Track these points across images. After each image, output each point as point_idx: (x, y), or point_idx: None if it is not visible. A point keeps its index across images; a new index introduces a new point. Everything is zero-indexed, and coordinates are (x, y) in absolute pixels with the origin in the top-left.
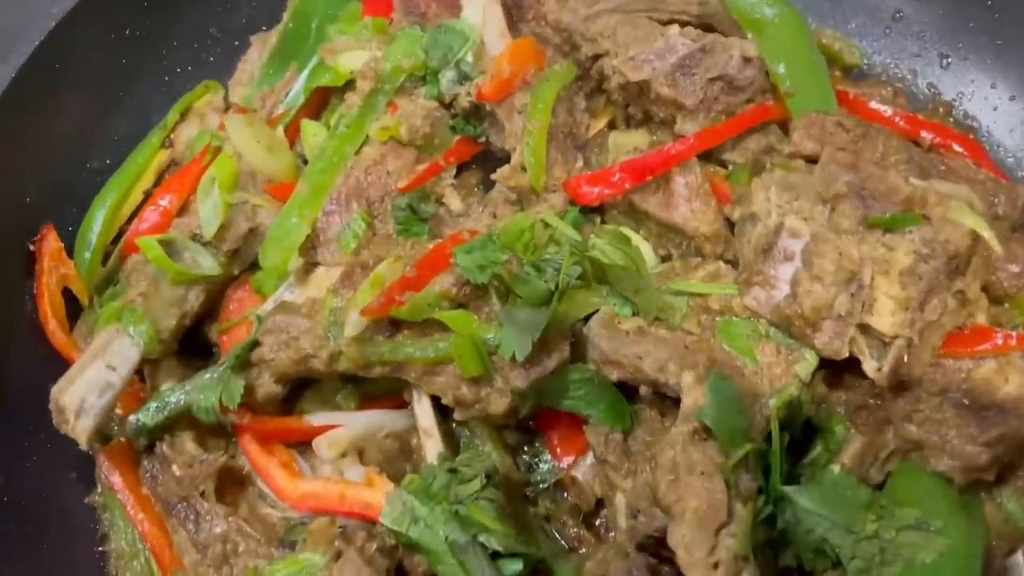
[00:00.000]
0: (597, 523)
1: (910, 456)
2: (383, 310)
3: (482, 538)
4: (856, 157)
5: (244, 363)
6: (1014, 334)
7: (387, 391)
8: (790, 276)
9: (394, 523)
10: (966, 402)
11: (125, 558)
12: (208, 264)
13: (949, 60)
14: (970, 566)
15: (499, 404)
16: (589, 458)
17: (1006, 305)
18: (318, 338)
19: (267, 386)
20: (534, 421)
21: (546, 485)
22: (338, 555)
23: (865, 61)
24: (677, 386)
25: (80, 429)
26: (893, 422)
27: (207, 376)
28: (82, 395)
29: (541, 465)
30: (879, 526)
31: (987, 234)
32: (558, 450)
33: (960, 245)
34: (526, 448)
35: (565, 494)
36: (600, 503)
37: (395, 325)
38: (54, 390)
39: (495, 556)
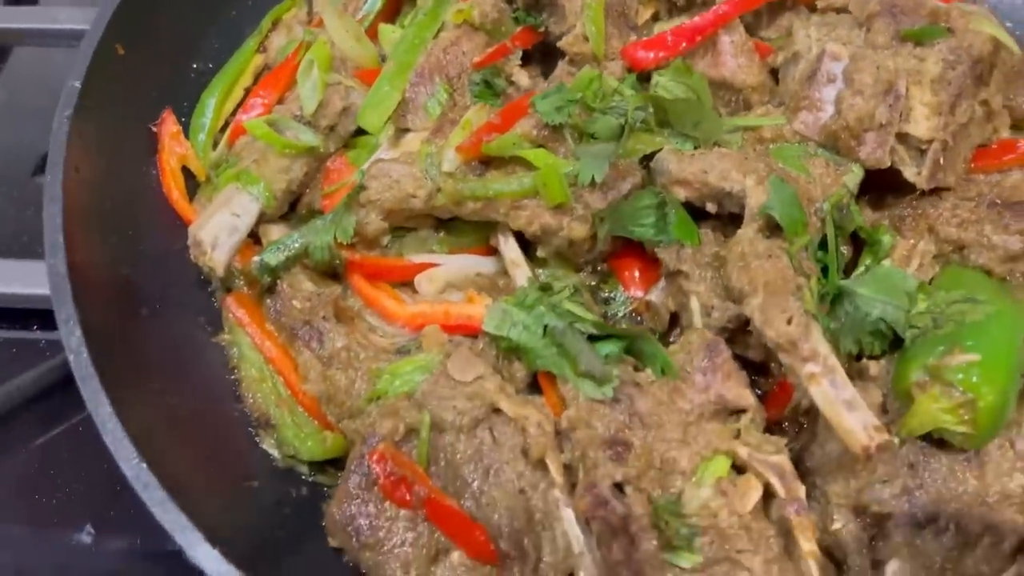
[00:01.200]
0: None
1: (952, 258)
2: (474, 148)
3: (577, 325)
4: None
5: (353, 204)
6: None
7: (476, 240)
8: (834, 96)
9: (496, 328)
10: (998, 201)
11: (255, 382)
12: (309, 137)
13: None
14: (1016, 327)
15: (580, 229)
16: (661, 283)
17: None
18: (417, 179)
19: (375, 223)
20: (608, 262)
21: (623, 314)
22: (449, 354)
23: None
24: (741, 193)
25: (216, 259)
26: (934, 228)
27: (320, 221)
28: (215, 233)
29: (617, 297)
30: (930, 303)
31: (1006, 39)
32: (632, 284)
33: (983, 50)
34: (602, 287)
35: (640, 319)
36: (674, 322)
37: (484, 166)
38: (192, 228)
39: (592, 340)
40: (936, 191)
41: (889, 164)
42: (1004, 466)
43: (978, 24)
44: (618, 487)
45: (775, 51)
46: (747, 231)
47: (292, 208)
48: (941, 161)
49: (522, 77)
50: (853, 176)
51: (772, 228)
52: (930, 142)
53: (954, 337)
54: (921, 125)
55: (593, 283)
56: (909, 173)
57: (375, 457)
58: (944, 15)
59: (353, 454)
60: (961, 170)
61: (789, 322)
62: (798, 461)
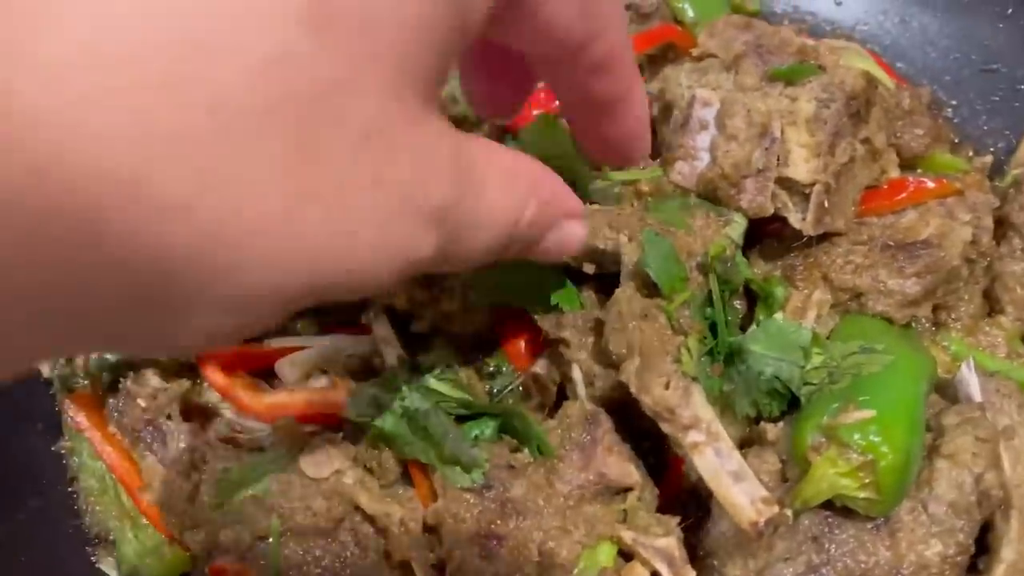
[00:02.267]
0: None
1: (850, 307)
2: None
3: (443, 405)
4: (748, 22)
5: None
6: (927, 180)
7: (344, 320)
8: (708, 143)
9: (359, 416)
10: (892, 244)
11: (95, 494)
12: None
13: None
14: (917, 377)
15: (449, 302)
16: (545, 355)
17: (919, 170)
18: None
19: None
20: (493, 331)
21: (511, 388)
22: (303, 448)
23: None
24: (616, 250)
25: None
26: (828, 276)
27: None
28: None
29: (504, 371)
30: (826, 356)
31: (879, 74)
32: (517, 356)
33: (856, 86)
34: (487, 361)
35: (529, 393)
36: (560, 396)
37: None
38: None
39: (461, 421)
40: (827, 237)
41: (772, 211)
42: (918, 532)
43: (849, 60)
44: None
45: (651, 102)
46: (624, 290)
47: None
48: (826, 204)
49: None
50: (736, 227)
51: (650, 286)
52: (812, 185)
53: (849, 392)
54: (800, 168)
55: (480, 357)
56: (794, 219)
57: (217, 571)
58: (812, 52)
59: (196, 572)
60: (851, 213)
61: (667, 387)
62: (696, 544)
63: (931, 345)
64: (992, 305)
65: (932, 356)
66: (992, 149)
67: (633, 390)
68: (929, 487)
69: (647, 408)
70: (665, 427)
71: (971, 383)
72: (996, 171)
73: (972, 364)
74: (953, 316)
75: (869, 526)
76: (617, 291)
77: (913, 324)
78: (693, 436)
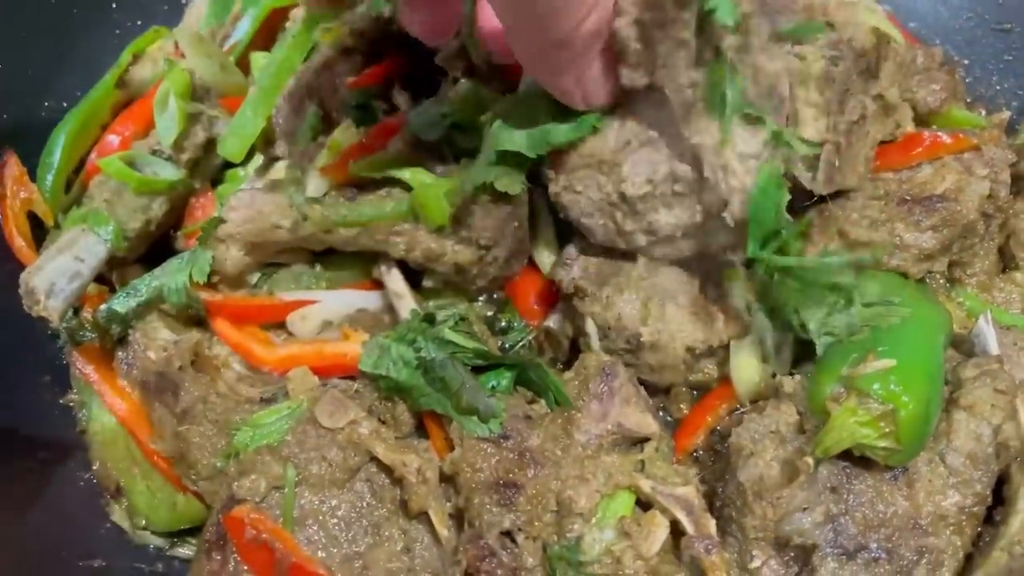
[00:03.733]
0: None
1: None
2: (341, 169)
3: (460, 356)
4: None
5: (211, 239)
6: (942, 134)
7: (357, 274)
8: None
9: (374, 367)
10: (908, 198)
11: (105, 446)
12: (169, 172)
13: None
14: (935, 329)
15: (466, 253)
16: (557, 310)
17: (933, 127)
18: (281, 208)
19: (235, 258)
20: (504, 289)
21: (523, 343)
22: (318, 399)
23: None
24: None
25: (51, 308)
26: (843, 231)
27: (175, 261)
28: (51, 279)
29: (515, 326)
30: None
31: (889, 29)
32: (529, 311)
33: (865, 42)
34: (499, 316)
35: (540, 348)
36: (572, 352)
37: (357, 190)
38: (24, 275)
39: (477, 372)
40: (843, 192)
41: (782, 172)
42: (936, 483)
43: (859, 16)
44: (508, 535)
45: None
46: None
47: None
48: (836, 163)
49: (402, 99)
50: None
51: None
52: (822, 144)
53: (869, 343)
54: (809, 127)
55: (490, 313)
56: (804, 180)
57: (231, 521)
58: (821, 9)
59: (210, 519)
60: (865, 170)
61: None
62: (712, 494)
63: (946, 301)
64: (1007, 262)
65: (948, 310)
66: (1005, 108)
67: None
68: (947, 439)
69: None
70: None
71: (988, 336)
72: (1009, 130)
73: (990, 317)
74: (968, 272)
75: (887, 476)
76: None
77: (927, 280)
78: None
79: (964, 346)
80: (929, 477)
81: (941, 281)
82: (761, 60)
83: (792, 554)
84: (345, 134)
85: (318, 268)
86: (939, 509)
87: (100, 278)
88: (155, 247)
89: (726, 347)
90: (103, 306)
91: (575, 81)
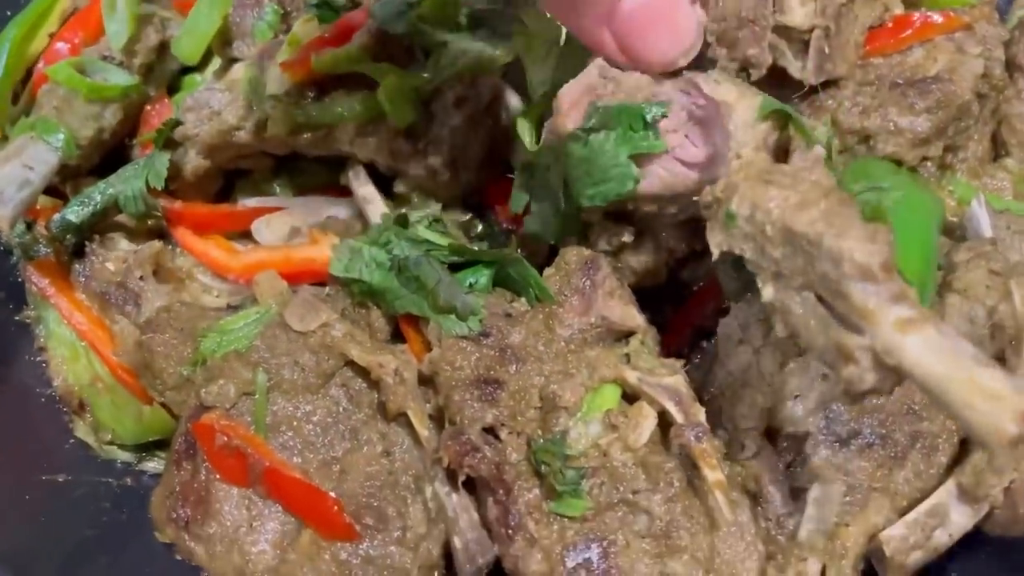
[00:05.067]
0: None
1: (857, 152)
2: (303, 64)
3: (435, 254)
4: None
5: (168, 143)
6: (932, 14)
7: (324, 180)
8: None
9: (345, 271)
10: (900, 81)
11: (65, 361)
12: (121, 78)
13: None
14: (929, 212)
15: (438, 153)
16: None
17: (922, 8)
18: (241, 108)
19: (194, 162)
20: (479, 196)
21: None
22: (288, 303)
23: None
24: None
25: (0, 216)
26: (835, 120)
27: (130, 167)
28: (0, 187)
29: (493, 232)
30: None
31: None
32: (507, 215)
33: None
34: (475, 222)
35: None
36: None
37: (321, 91)
38: None
39: (454, 270)
40: (832, 81)
41: (771, 62)
42: None
43: None
44: (490, 432)
45: None
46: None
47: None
48: (826, 50)
49: None
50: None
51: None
52: (810, 31)
53: None
54: (797, 13)
55: (466, 218)
56: (794, 69)
57: (200, 429)
58: None
59: (178, 429)
60: (854, 56)
61: (873, 239)
62: (700, 389)
63: (936, 190)
64: (998, 148)
65: (940, 197)
66: None
67: (828, 242)
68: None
69: (845, 266)
70: (855, 292)
71: (981, 218)
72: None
73: (983, 200)
74: (960, 158)
75: None
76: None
77: (918, 169)
78: (901, 312)
79: (955, 233)
80: None
81: (932, 169)
82: None
83: (784, 444)
84: (305, 28)
85: (283, 176)
86: None
87: (54, 191)
88: (110, 158)
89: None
90: (56, 216)
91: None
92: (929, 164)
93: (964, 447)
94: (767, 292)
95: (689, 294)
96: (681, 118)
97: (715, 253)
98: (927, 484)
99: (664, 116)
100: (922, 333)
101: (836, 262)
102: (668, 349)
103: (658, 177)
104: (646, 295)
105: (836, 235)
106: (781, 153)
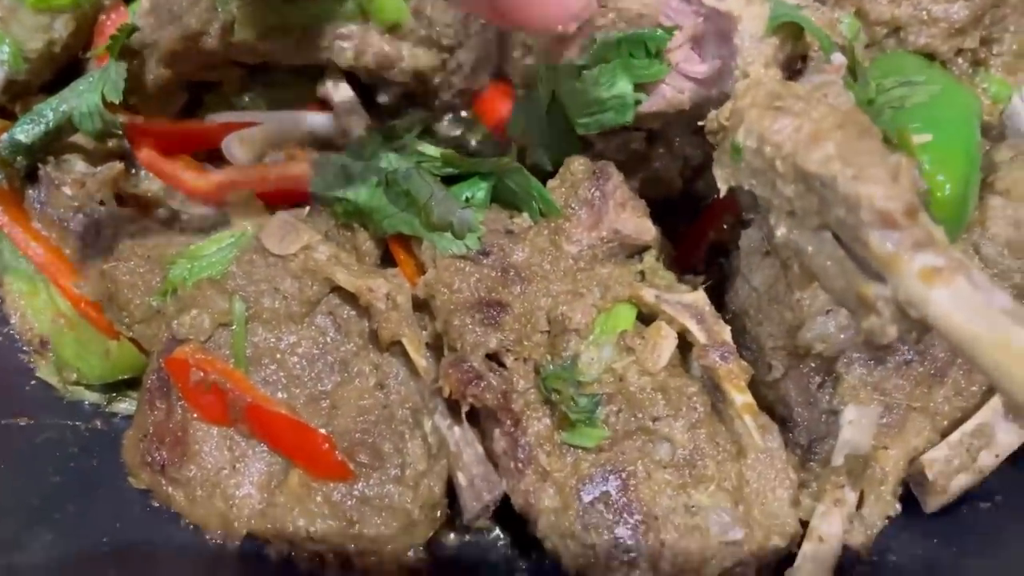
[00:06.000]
0: None
1: (886, 45)
2: None
3: (426, 166)
4: None
5: (125, 52)
6: None
7: (299, 94)
8: None
9: (328, 188)
10: None
11: (24, 296)
12: None
13: None
14: (968, 107)
15: (426, 57)
16: None
17: None
18: (205, 10)
19: (155, 72)
20: (473, 106)
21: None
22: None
23: None
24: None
25: None
26: (862, 9)
27: (84, 80)
28: None
29: (487, 147)
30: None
31: None
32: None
33: None
34: (467, 136)
35: None
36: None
37: None
38: None
39: (448, 183)
40: None
41: None
42: None
43: None
44: (495, 359)
45: None
46: (762, 66)
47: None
48: None
49: None
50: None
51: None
52: None
53: (897, 120)
54: None
55: (456, 133)
56: None
57: (173, 364)
58: None
59: (150, 366)
60: None
61: (895, 177)
62: (719, 307)
63: (970, 87)
64: None
65: (975, 93)
66: None
67: (842, 182)
68: (981, 227)
69: (864, 206)
70: (874, 239)
71: (1022, 115)
72: None
73: (1023, 94)
74: (994, 52)
75: None
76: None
77: (950, 64)
78: (926, 260)
79: (992, 133)
80: None
81: (964, 65)
82: None
83: (813, 364)
84: None
85: (254, 90)
86: None
87: (1, 111)
88: (63, 75)
89: None
90: (3, 135)
91: None
92: (961, 60)
93: None
94: (780, 232)
95: (704, 206)
96: (685, 32)
97: (722, 189)
98: (969, 402)
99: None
100: (951, 285)
101: (852, 208)
102: (682, 266)
103: (661, 95)
104: (657, 208)
105: (853, 177)
106: (796, 64)
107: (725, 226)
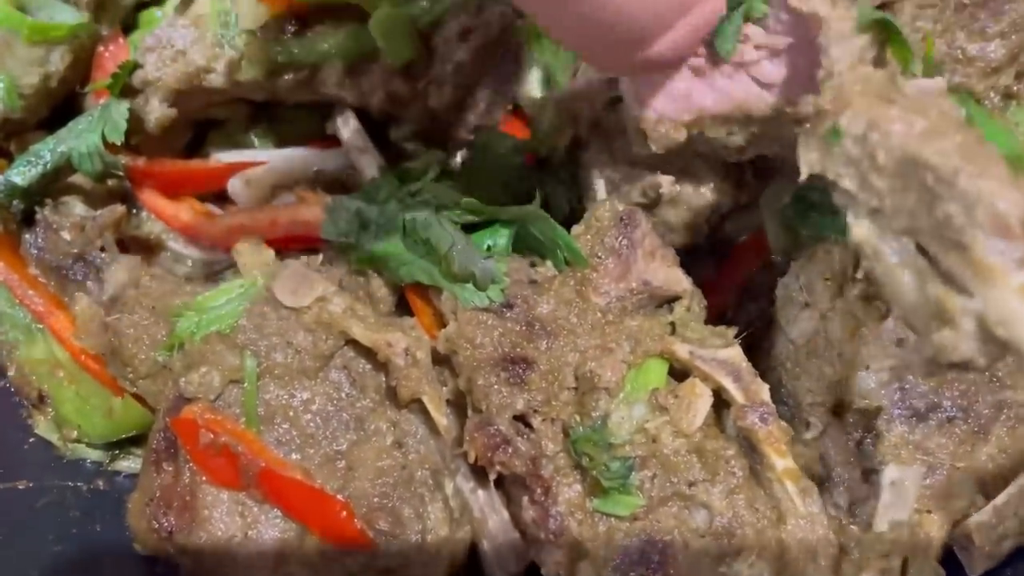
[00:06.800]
0: None
1: None
2: None
3: (446, 213)
4: None
5: (126, 90)
6: None
7: (308, 129)
8: None
9: (340, 234)
10: (967, 1)
11: (21, 347)
12: (68, 16)
13: None
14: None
15: (440, 94)
16: None
17: None
18: (210, 47)
19: (158, 111)
20: None
21: None
22: (276, 274)
23: None
24: None
25: None
26: None
27: (84, 119)
28: None
29: None
30: None
31: None
32: None
33: None
34: None
35: None
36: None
37: (302, 24)
38: None
39: (469, 231)
40: (886, 3)
41: None
42: None
43: None
44: (521, 420)
45: None
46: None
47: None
48: None
49: None
50: None
51: None
52: None
53: None
54: None
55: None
56: None
57: (181, 424)
58: None
59: (155, 425)
60: None
61: (1018, 187)
62: (754, 356)
63: (1002, 122)
64: None
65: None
66: None
67: (961, 170)
68: None
69: (976, 208)
70: (980, 244)
71: None
72: None
73: None
74: None
75: None
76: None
77: (984, 100)
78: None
79: None
80: None
81: (995, 99)
82: None
83: (852, 419)
84: None
85: (262, 125)
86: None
87: None
88: (60, 110)
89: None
90: None
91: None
92: (993, 93)
93: None
94: (859, 230)
95: (732, 249)
96: (760, 32)
97: (803, 173)
98: (1014, 460)
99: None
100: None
101: (970, 206)
102: (711, 313)
103: (729, 96)
104: (683, 250)
105: (976, 174)
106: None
107: (755, 269)
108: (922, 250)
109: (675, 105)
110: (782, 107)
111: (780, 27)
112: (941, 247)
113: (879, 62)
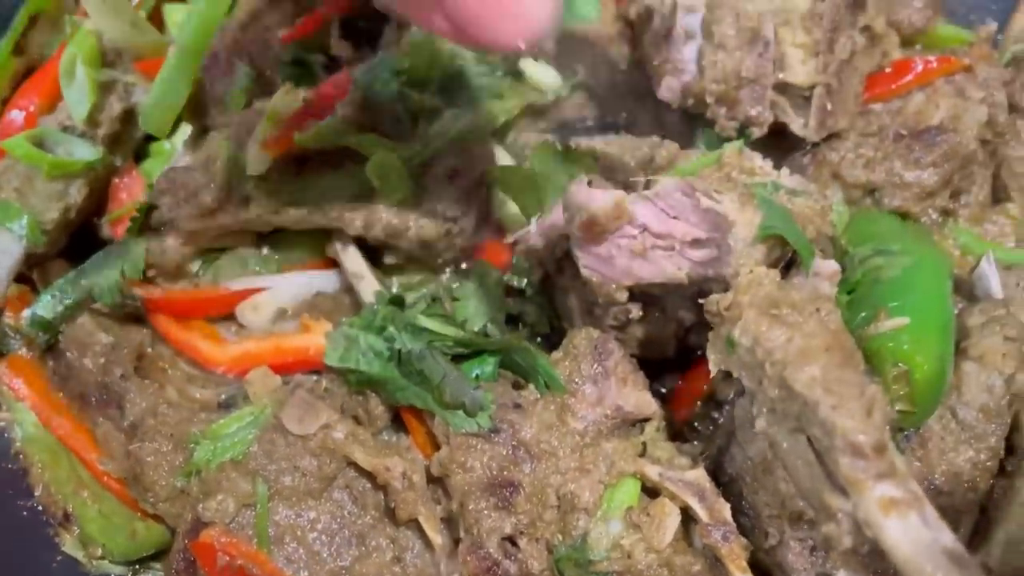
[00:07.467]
0: None
1: (863, 204)
2: (285, 141)
3: (438, 344)
4: None
5: (143, 229)
6: (932, 58)
7: (309, 253)
8: (694, 54)
9: (341, 360)
10: (904, 132)
11: (47, 468)
12: (86, 152)
13: None
14: (940, 277)
15: (431, 227)
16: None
17: (918, 47)
18: (220, 189)
19: (173, 250)
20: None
21: None
22: (283, 402)
23: None
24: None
25: None
26: (838, 174)
27: (103, 255)
28: None
29: None
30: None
31: None
32: None
33: None
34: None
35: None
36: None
37: (305, 167)
38: None
39: (458, 360)
40: (833, 133)
41: (772, 121)
42: (948, 441)
43: None
44: (509, 539)
45: (628, 1)
46: (752, 267)
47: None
48: (829, 107)
49: (343, 49)
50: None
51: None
52: (812, 88)
53: (875, 299)
54: (798, 71)
55: (456, 285)
56: (796, 127)
57: (200, 548)
58: None
59: (175, 545)
60: (855, 106)
61: (869, 413)
62: (716, 468)
63: (939, 239)
64: (998, 192)
65: (947, 252)
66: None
67: (823, 410)
68: (957, 392)
69: (838, 436)
70: (843, 462)
71: (992, 278)
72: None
73: (991, 258)
74: (962, 203)
75: (900, 438)
76: (751, 269)
77: (923, 218)
78: (886, 490)
79: (963, 288)
80: (941, 435)
81: (934, 216)
82: (741, 1)
83: (806, 527)
84: (285, 100)
85: (265, 250)
86: (953, 467)
87: (19, 276)
88: (77, 236)
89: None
90: (26, 312)
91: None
92: (931, 211)
93: (983, 514)
94: (760, 423)
95: (695, 359)
96: (687, 213)
97: (712, 370)
98: None
99: None
100: (904, 518)
101: (829, 434)
102: (676, 419)
103: (660, 267)
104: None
105: (832, 406)
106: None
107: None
108: (812, 447)
109: (615, 272)
110: (706, 278)
111: (696, 219)
112: (822, 450)
113: (780, 260)
